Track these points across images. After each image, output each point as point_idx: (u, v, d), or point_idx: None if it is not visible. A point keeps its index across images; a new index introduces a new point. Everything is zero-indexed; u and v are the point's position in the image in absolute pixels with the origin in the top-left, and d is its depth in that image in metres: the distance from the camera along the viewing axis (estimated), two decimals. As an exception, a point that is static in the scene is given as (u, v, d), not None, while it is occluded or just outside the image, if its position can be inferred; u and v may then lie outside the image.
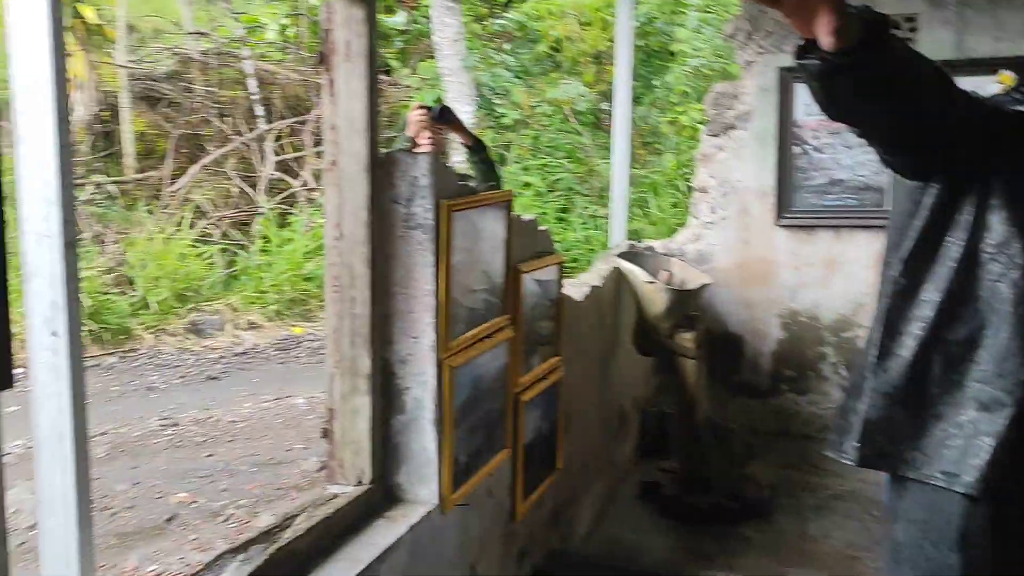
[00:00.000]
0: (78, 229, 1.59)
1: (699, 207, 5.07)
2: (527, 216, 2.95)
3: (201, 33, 11.78)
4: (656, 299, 4.07)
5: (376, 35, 2.15)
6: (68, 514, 1.62)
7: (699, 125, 8.56)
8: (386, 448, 2.27)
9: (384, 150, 2.23)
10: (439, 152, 3.13)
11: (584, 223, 10.20)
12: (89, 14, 10.08)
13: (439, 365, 2.25)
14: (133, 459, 5.60)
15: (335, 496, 2.15)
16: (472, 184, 2.57)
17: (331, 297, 2.19)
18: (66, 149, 1.59)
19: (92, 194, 9.14)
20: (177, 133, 10.31)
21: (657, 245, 5.07)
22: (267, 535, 1.95)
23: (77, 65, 10.13)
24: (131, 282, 8.05)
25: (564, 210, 10.31)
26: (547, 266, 3.04)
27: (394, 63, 12.81)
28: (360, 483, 2.22)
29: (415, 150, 3.16)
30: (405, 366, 2.25)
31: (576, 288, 3.60)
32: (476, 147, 3.32)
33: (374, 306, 2.17)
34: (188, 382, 7.12)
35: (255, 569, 1.79)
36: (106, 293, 7.65)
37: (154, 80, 10.86)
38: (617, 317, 4.14)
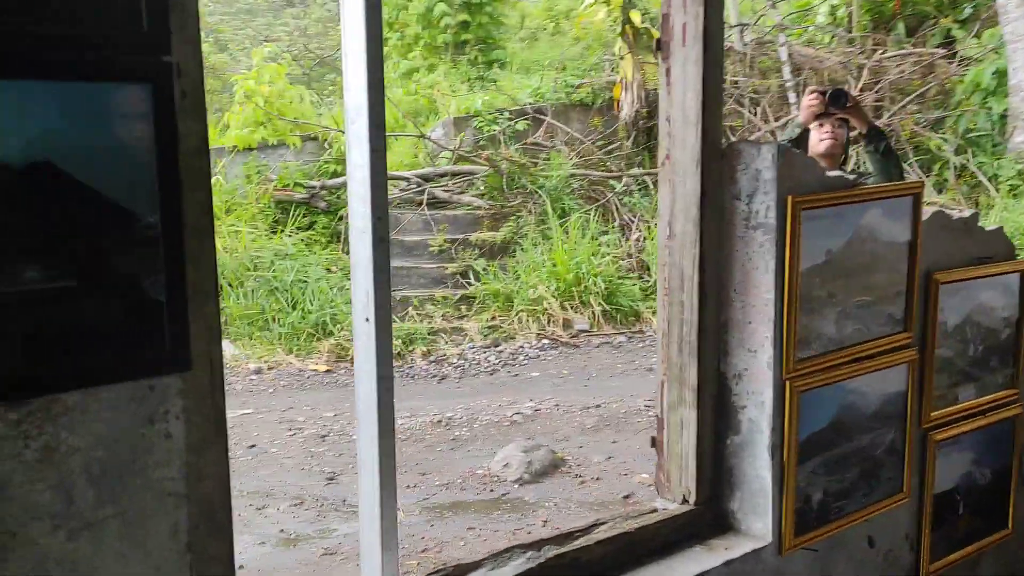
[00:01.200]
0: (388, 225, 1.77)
1: None
2: (961, 212, 2.38)
3: (744, 25, 11.91)
4: None
5: (720, 16, 1.94)
6: (373, 479, 1.81)
7: None
8: (719, 469, 2.06)
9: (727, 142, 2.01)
10: (838, 146, 2.68)
11: None
12: (636, 19, 10.90)
13: (779, 385, 1.96)
14: (616, 433, 5.98)
15: (652, 511, 2.03)
16: (869, 180, 2.17)
17: (661, 300, 2.06)
18: (377, 154, 1.76)
19: (625, 186, 9.90)
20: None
21: None
22: (566, 537, 1.93)
23: (626, 67, 11.05)
24: (648, 268, 8.56)
25: None
26: (991, 275, 2.42)
27: (958, 33, 11.39)
28: (685, 502, 2.05)
29: (813, 143, 2.76)
30: (740, 382, 2.01)
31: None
32: (874, 136, 2.74)
33: (703, 312, 1.98)
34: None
35: (529, 569, 1.79)
36: (621, 278, 8.26)
37: (691, 75, 11.31)
38: None
